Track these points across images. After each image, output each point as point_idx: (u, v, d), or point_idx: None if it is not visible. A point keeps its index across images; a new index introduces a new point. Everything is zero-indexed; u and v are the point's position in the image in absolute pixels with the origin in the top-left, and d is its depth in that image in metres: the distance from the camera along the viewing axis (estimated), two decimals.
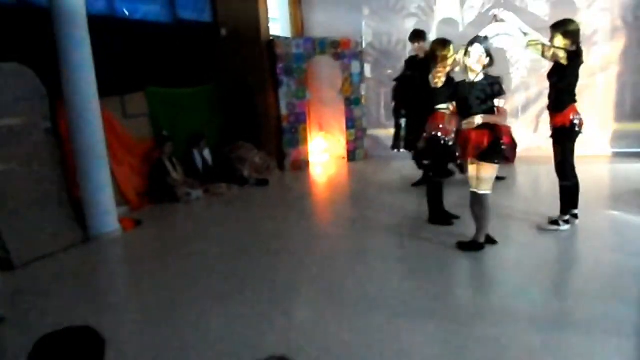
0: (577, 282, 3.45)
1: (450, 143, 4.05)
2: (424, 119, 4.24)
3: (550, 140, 4.11)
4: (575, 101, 3.92)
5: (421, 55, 5.24)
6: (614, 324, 2.67)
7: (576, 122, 3.87)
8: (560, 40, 3.83)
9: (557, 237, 4.02)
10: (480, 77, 3.55)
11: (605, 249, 3.79)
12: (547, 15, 6.89)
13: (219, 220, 5.34)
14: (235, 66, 7.48)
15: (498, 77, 3.60)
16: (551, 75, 3.96)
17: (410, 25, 7.79)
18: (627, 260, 3.49)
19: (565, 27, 3.85)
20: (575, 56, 3.81)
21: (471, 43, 3.58)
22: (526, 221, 4.35)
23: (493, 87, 3.52)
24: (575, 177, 4.04)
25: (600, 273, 3.37)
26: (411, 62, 5.53)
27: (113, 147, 5.23)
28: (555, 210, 4.15)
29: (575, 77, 3.89)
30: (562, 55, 3.75)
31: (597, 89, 7.03)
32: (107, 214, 4.70)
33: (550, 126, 4.03)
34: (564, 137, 3.92)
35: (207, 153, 6.77)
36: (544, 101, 4.34)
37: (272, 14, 8.28)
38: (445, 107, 4.05)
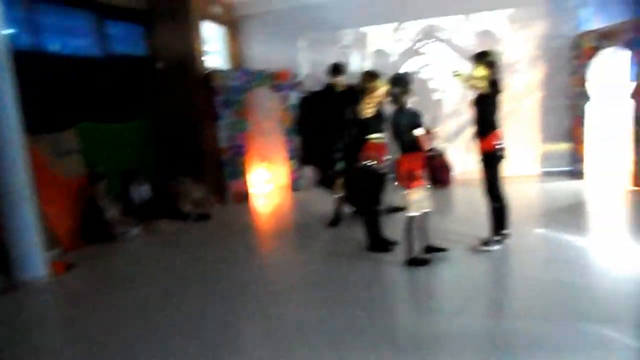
0: (511, 301, 3.56)
1: (384, 171, 4.17)
2: (354, 150, 4.34)
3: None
4: (497, 127, 4.12)
5: (340, 88, 5.39)
6: (555, 341, 2.75)
7: (499, 147, 4.06)
8: (481, 70, 4.05)
9: (490, 257, 4.17)
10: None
11: (535, 267, 3.96)
12: (473, 46, 7.28)
13: (157, 258, 5.15)
14: (172, 99, 7.39)
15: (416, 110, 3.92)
16: (474, 104, 4.16)
17: (345, 56, 8.06)
18: (557, 277, 3.64)
19: (485, 58, 4.08)
20: (496, 85, 4.03)
21: (395, 79, 3.80)
22: (461, 243, 4.48)
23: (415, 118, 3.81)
24: (503, 198, 4.22)
25: (533, 291, 3.50)
26: (329, 90, 5.55)
27: (43, 186, 4.99)
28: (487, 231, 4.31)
29: (496, 105, 4.10)
30: (483, 84, 3.96)
31: (523, 113, 7.47)
32: (34, 257, 4.43)
33: (477, 152, 4.21)
34: (489, 162, 4.11)
35: (144, 189, 6.59)
36: None
37: (210, 47, 8.30)
38: (377, 137, 4.18)
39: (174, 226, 6.17)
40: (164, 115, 7.40)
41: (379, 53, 7.97)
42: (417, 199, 3.94)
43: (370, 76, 4.29)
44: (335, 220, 5.47)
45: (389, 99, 4.03)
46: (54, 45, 5.87)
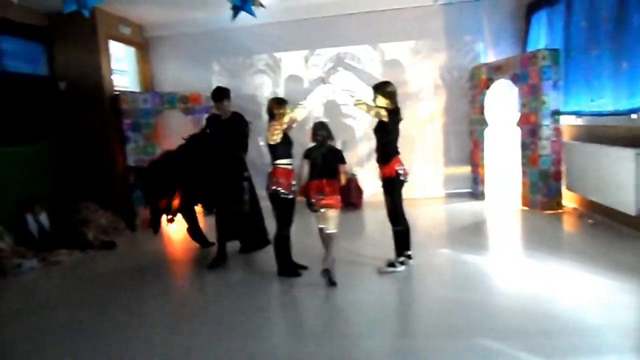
0: (414, 320, 3.70)
1: (291, 197, 4.24)
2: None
3: None
4: (398, 153, 4.33)
5: (225, 115, 5.07)
6: (451, 357, 2.90)
7: (401, 172, 4.27)
8: (381, 100, 4.26)
9: (395, 278, 4.32)
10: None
11: (440, 286, 4.15)
12: (381, 74, 7.66)
13: (53, 293, 4.81)
14: (77, 122, 7.05)
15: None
16: (376, 131, 4.36)
17: (259, 81, 8.14)
18: (459, 296, 3.85)
19: (384, 88, 4.30)
20: (395, 113, 4.25)
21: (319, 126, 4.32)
22: (368, 264, 4.62)
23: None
24: (405, 221, 4.42)
25: (437, 310, 3.64)
26: (213, 120, 5.21)
27: None
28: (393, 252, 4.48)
29: (396, 132, 4.32)
30: (383, 113, 4.17)
31: (427, 138, 7.92)
32: None
33: (380, 177, 4.39)
34: (391, 186, 4.30)
35: (43, 217, 6.15)
36: None
37: (120, 66, 8.03)
38: (285, 163, 4.25)
39: (74, 256, 5.79)
40: (68, 138, 7.02)
41: (292, 78, 8.13)
42: (329, 216, 4.20)
43: (279, 103, 4.37)
44: (220, 259, 5.03)
45: (315, 140, 4.28)
46: None
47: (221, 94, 5.07)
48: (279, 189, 4.21)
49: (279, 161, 4.27)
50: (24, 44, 6.64)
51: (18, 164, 6.16)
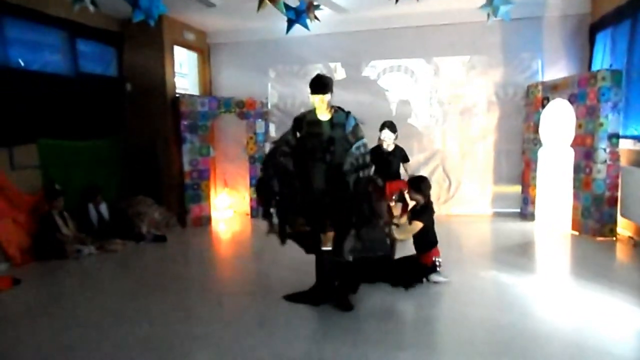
0: (447, 338, 3.68)
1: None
2: None
3: None
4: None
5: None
6: None
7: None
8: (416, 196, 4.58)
9: (434, 294, 4.33)
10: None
11: (478, 306, 4.09)
12: (434, 87, 7.66)
13: (107, 278, 5.14)
14: (139, 121, 7.50)
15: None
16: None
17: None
18: (496, 316, 3.81)
19: (419, 184, 4.57)
20: (429, 207, 4.52)
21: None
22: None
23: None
24: None
25: (471, 329, 3.60)
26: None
27: None
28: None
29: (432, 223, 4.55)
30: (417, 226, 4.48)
31: (479, 154, 7.82)
32: None
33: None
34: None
35: (103, 207, 6.59)
36: None
37: (182, 69, 8.46)
38: None
39: (128, 247, 6.17)
40: (131, 135, 7.49)
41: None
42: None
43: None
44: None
45: None
46: (20, 61, 5.91)
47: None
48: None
49: None
50: (97, 46, 7.16)
51: (85, 156, 6.65)
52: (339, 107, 3.91)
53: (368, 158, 3.77)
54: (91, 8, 4.27)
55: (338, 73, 8.26)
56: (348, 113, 3.86)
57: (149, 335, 3.54)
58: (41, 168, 5.98)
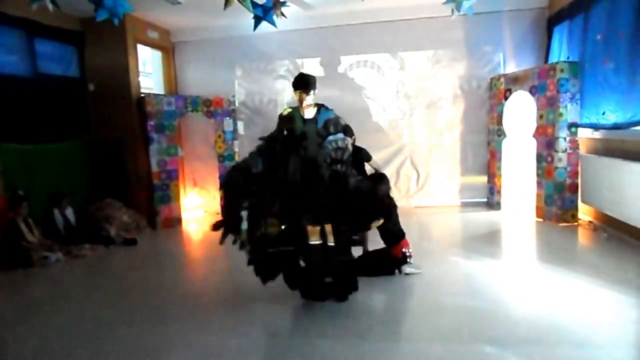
0: (420, 325, 3.75)
1: None
2: None
3: None
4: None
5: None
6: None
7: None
8: None
9: (404, 283, 4.42)
10: None
11: (448, 294, 4.21)
12: (400, 81, 7.76)
13: (76, 285, 5.03)
14: (104, 122, 7.34)
15: None
16: None
17: (280, 86, 8.31)
18: (466, 303, 3.92)
19: None
20: None
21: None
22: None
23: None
24: None
25: (441, 315, 3.70)
26: None
27: None
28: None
29: None
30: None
31: (445, 147, 7.98)
32: None
33: None
34: None
35: (69, 212, 6.43)
36: None
37: (146, 69, 8.30)
38: None
39: (97, 251, 6.04)
40: (96, 137, 7.32)
41: None
42: None
43: None
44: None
45: None
46: None
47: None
48: None
49: None
50: (57, 46, 6.95)
51: (49, 160, 6.46)
52: (322, 104, 3.93)
53: (346, 153, 3.79)
54: (50, 7, 4.13)
55: (305, 69, 8.27)
56: (321, 107, 3.88)
57: (125, 342, 3.49)
58: (2, 174, 5.78)
